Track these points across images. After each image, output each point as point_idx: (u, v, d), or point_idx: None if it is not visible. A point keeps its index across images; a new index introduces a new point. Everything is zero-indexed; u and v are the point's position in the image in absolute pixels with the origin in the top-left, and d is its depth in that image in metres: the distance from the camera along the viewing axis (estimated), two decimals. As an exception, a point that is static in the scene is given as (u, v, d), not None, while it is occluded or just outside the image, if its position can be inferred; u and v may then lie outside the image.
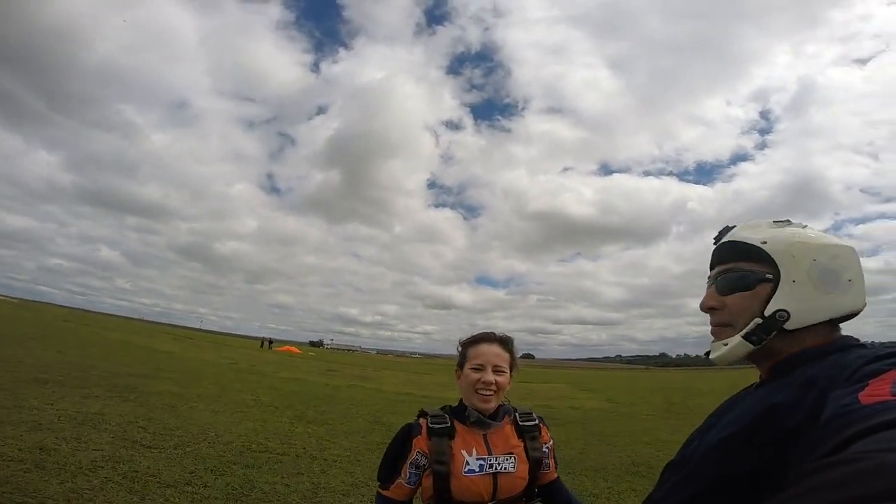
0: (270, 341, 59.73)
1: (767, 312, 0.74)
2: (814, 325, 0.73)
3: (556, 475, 1.48)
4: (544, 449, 1.44)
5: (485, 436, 1.35)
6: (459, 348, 1.47)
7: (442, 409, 1.42)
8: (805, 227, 0.80)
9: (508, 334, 1.48)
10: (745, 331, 0.76)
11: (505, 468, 1.32)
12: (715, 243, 0.87)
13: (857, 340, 0.73)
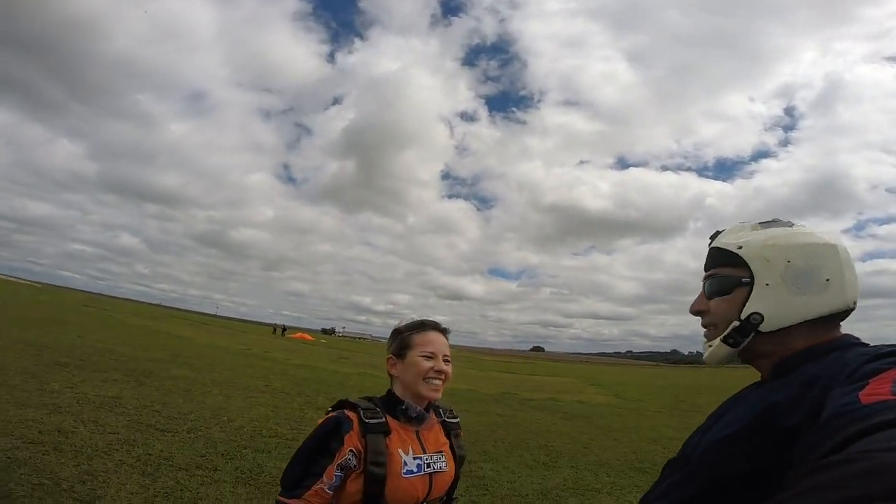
0: (284, 328, 60.66)
1: (743, 315, 0.76)
2: (802, 325, 0.74)
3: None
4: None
5: (417, 433, 1.25)
6: (398, 334, 1.34)
7: (368, 399, 1.25)
8: (791, 224, 0.81)
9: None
10: (723, 334, 0.79)
11: (440, 467, 1.24)
12: (709, 247, 0.89)
13: (857, 339, 0.74)
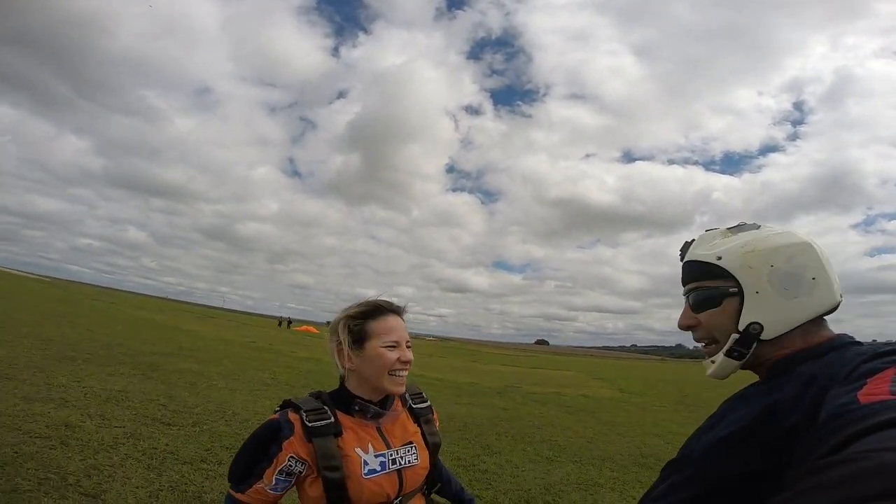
0: (289, 321, 60.93)
1: (741, 327, 0.75)
2: (797, 328, 0.74)
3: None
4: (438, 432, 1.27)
5: (378, 427, 1.14)
6: (350, 321, 1.16)
7: (317, 396, 1.14)
8: (759, 227, 0.80)
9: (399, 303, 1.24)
10: (725, 348, 0.78)
11: (408, 461, 1.14)
12: (681, 260, 0.87)
13: (852, 338, 0.74)
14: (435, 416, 1.29)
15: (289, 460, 1.03)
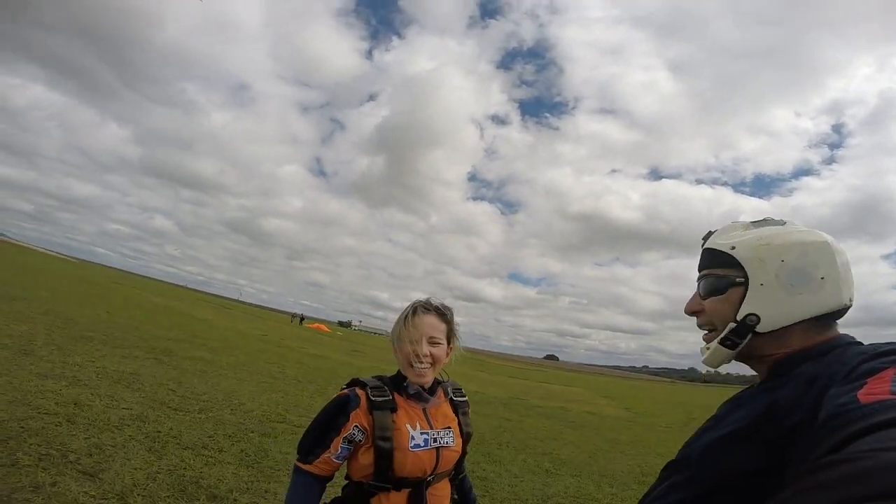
0: (302, 317, 61.61)
1: (739, 316, 0.76)
2: (797, 325, 0.74)
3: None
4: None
5: (424, 409, 1.32)
6: (398, 319, 1.38)
7: (379, 378, 1.34)
8: (784, 223, 0.81)
9: (447, 303, 1.41)
10: (720, 336, 0.79)
11: (446, 442, 1.30)
12: (701, 247, 0.89)
13: (854, 339, 0.73)
14: (469, 410, 1.48)
15: (353, 429, 1.21)
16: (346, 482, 1.31)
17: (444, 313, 1.38)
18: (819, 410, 0.53)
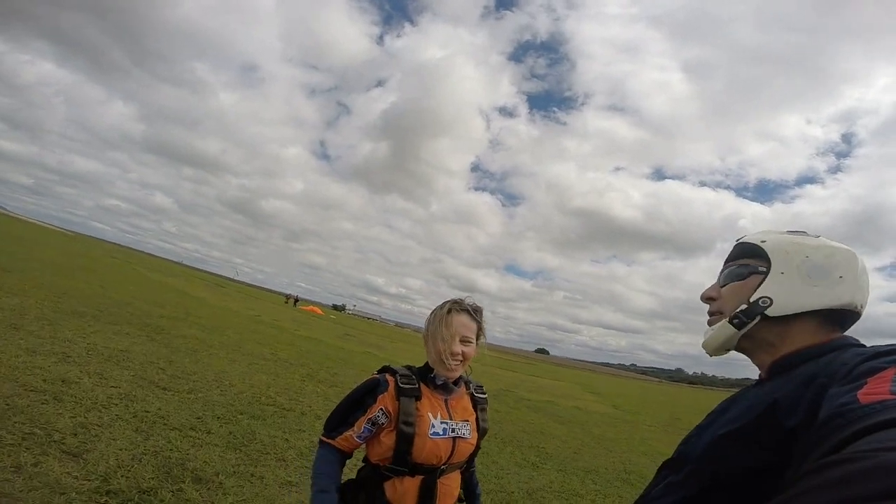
0: (296, 299, 61.59)
1: (752, 299, 0.78)
2: (805, 322, 0.75)
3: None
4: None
5: (446, 401, 1.39)
6: (432, 314, 1.45)
7: (408, 368, 1.42)
8: (818, 237, 0.82)
9: (478, 304, 1.49)
10: (731, 315, 0.80)
11: (463, 434, 1.38)
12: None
13: (857, 340, 0.74)
14: (488, 407, 1.55)
15: (378, 412, 1.29)
16: (363, 465, 1.39)
17: (475, 313, 1.46)
18: (819, 410, 0.53)
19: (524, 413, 10.30)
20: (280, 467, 3.71)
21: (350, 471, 1.40)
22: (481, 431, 1.47)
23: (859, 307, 0.76)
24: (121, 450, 3.25)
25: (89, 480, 2.77)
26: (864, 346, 0.71)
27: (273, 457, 3.88)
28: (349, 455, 1.38)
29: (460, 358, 1.37)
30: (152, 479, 2.98)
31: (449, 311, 1.41)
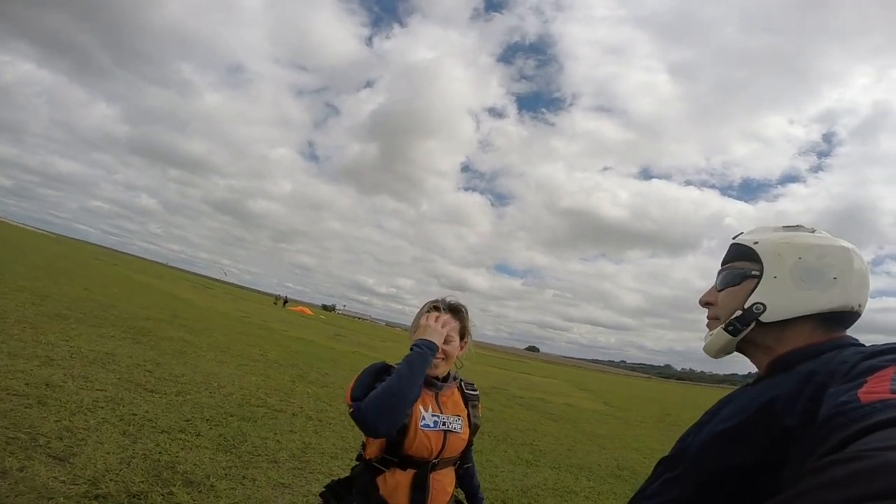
0: (286, 300, 61.17)
1: (747, 305, 0.79)
2: (802, 323, 0.75)
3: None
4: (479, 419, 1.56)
5: (436, 395, 1.43)
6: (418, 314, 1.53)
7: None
8: (813, 231, 0.83)
9: (460, 302, 1.53)
10: (726, 322, 0.81)
11: (454, 428, 1.41)
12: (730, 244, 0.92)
13: (856, 340, 0.74)
14: (480, 404, 1.58)
15: None
16: (356, 464, 1.43)
17: (456, 311, 1.50)
18: (817, 408, 0.53)
19: (517, 411, 10.32)
20: (272, 469, 3.65)
21: (343, 470, 1.41)
22: (473, 427, 1.50)
23: (857, 307, 0.75)
24: (108, 453, 3.18)
25: (77, 485, 2.70)
26: (862, 344, 0.71)
27: (265, 458, 3.82)
28: None
29: (442, 356, 1.40)
30: (142, 482, 2.91)
31: (429, 311, 1.47)
